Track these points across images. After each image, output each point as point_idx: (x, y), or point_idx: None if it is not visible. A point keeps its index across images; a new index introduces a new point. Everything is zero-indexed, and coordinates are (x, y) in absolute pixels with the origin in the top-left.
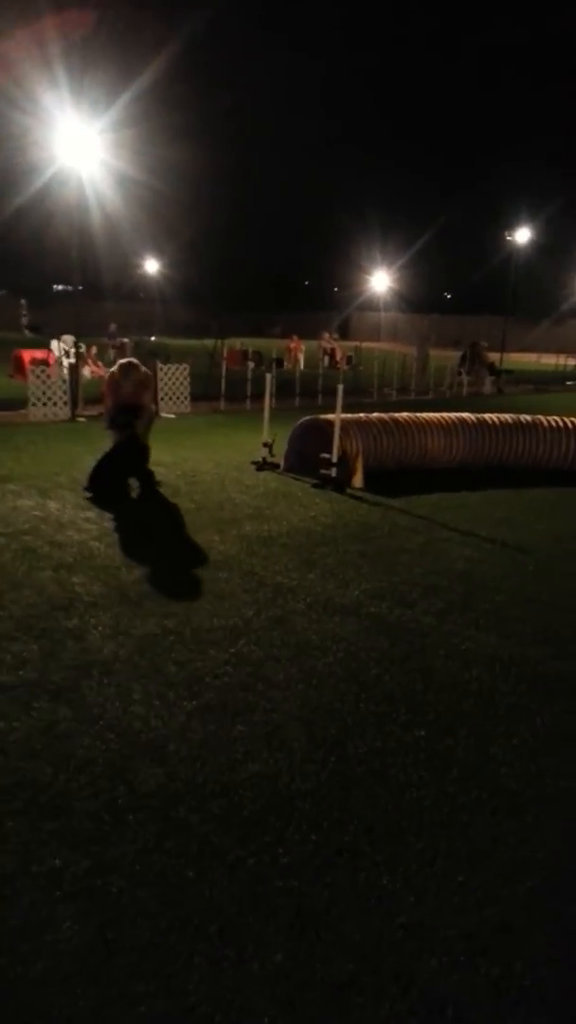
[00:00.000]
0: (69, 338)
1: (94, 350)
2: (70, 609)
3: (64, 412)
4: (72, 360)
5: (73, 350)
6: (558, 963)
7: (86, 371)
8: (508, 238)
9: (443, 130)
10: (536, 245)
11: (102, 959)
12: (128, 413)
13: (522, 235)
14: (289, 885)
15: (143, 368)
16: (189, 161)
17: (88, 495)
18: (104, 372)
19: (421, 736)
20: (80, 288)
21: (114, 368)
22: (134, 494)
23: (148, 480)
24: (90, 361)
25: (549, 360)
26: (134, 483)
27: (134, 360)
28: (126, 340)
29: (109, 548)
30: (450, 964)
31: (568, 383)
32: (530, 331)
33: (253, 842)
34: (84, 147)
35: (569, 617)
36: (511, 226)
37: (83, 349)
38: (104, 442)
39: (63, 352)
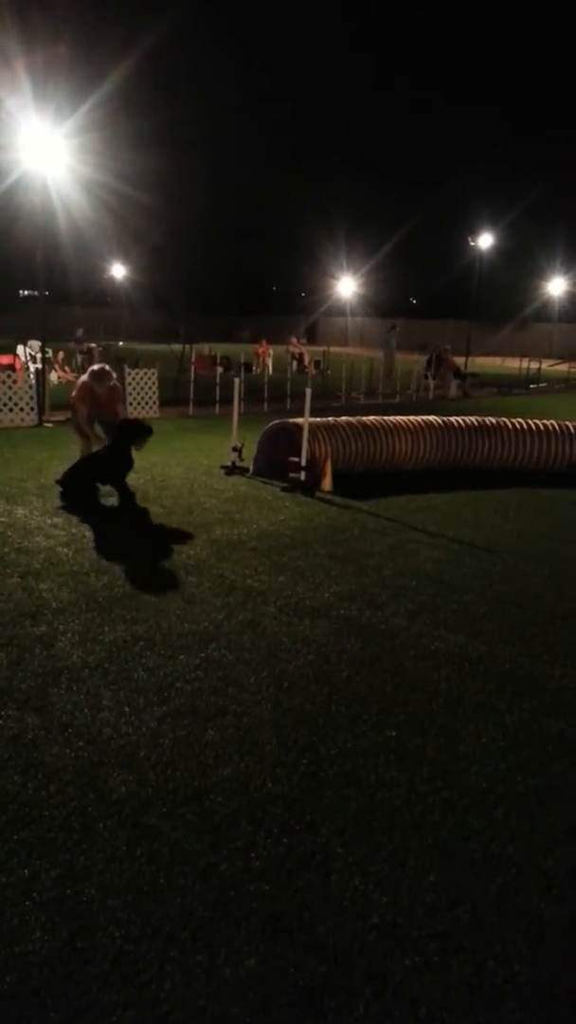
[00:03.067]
0: (35, 343)
1: (61, 355)
2: (38, 616)
3: (31, 418)
4: (39, 365)
5: (40, 355)
6: (530, 960)
7: (53, 376)
8: (471, 243)
9: (407, 136)
10: (499, 250)
11: (73, 969)
12: (133, 431)
13: (485, 240)
14: (261, 889)
15: (114, 375)
16: (156, 166)
17: (59, 489)
18: (71, 377)
19: (392, 736)
20: (46, 293)
21: (85, 377)
22: (109, 502)
23: (124, 491)
24: (57, 366)
25: (512, 364)
26: (108, 491)
27: (106, 366)
28: (93, 345)
29: (77, 554)
30: (423, 964)
31: (532, 386)
32: (494, 335)
33: (225, 847)
34: (49, 152)
35: (535, 616)
36: (474, 232)
37: (50, 354)
38: (71, 448)
39: (29, 357)
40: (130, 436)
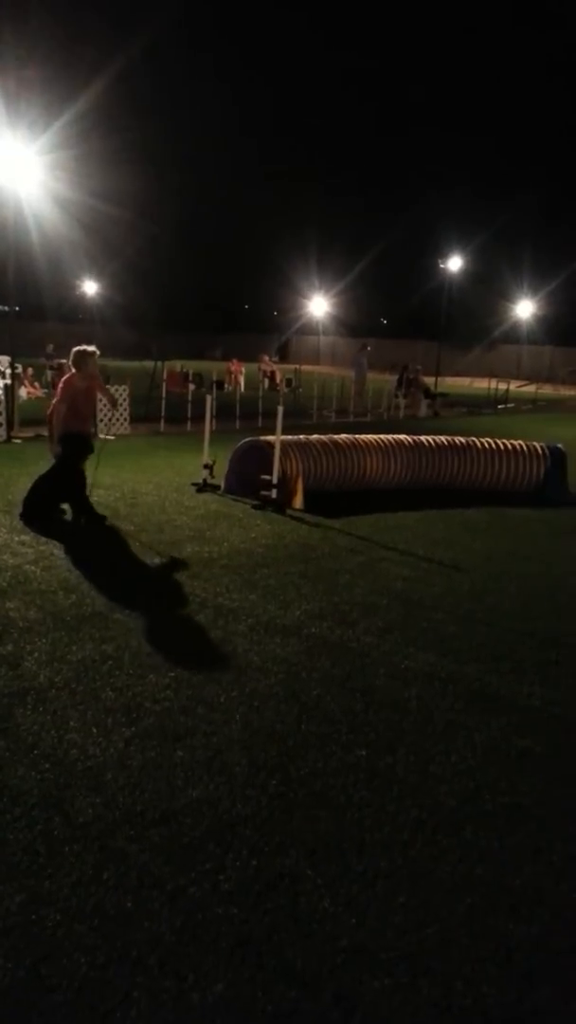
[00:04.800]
0: (4, 358)
1: (30, 371)
2: (4, 635)
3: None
4: (8, 381)
5: (9, 371)
6: (498, 980)
7: (22, 392)
8: (441, 266)
9: (378, 159)
10: (468, 273)
11: (37, 997)
12: (78, 440)
13: (454, 263)
14: (230, 912)
15: (96, 352)
16: (129, 184)
17: (24, 522)
18: (41, 393)
19: (362, 756)
20: (17, 308)
21: (68, 376)
22: (67, 516)
23: (82, 507)
24: (27, 382)
25: (481, 384)
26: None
27: (89, 347)
28: (64, 361)
29: (45, 572)
30: (392, 986)
31: (500, 407)
32: (463, 356)
33: (193, 870)
34: (22, 168)
35: (504, 634)
36: (444, 254)
37: (19, 370)
38: (41, 464)
39: None
40: (72, 449)
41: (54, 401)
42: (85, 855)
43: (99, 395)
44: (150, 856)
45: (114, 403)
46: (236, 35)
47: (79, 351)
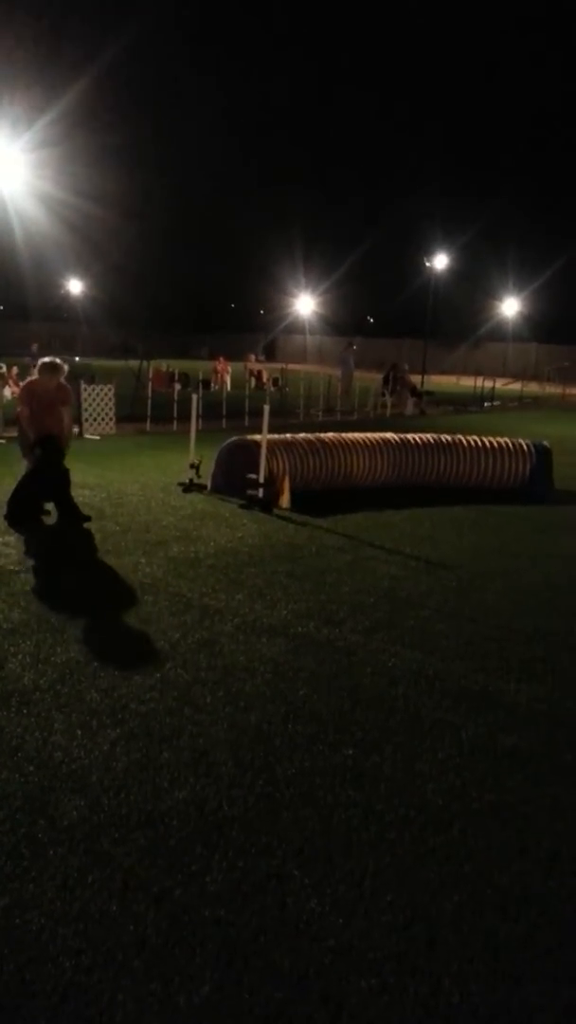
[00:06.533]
0: None
1: (15, 370)
2: None
3: None
4: None
5: None
6: (487, 979)
7: (6, 391)
8: (427, 264)
9: (363, 158)
10: (454, 271)
11: (21, 1002)
12: (50, 442)
13: (440, 261)
14: (216, 914)
15: (65, 368)
16: (114, 182)
17: (8, 524)
18: None
19: (349, 755)
20: (1, 308)
21: (32, 377)
22: (51, 520)
23: (67, 506)
24: (11, 381)
25: (468, 382)
26: (51, 508)
27: (57, 359)
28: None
29: (30, 573)
30: (379, 986)
31: (486, 404)
32: (449, 354)
33: (179, 872)
34: (5, 166)
35: (491, 631)
36: (430, 252)
37: (3, 369)
38: (22, 466)
39: None
40: (52, 449)
41: (18, 407)
42: (70, 858)
43: (62, 410)
44: (136, 858)
45: (69, 429)
46: (223, 33)
47: (46, 364)
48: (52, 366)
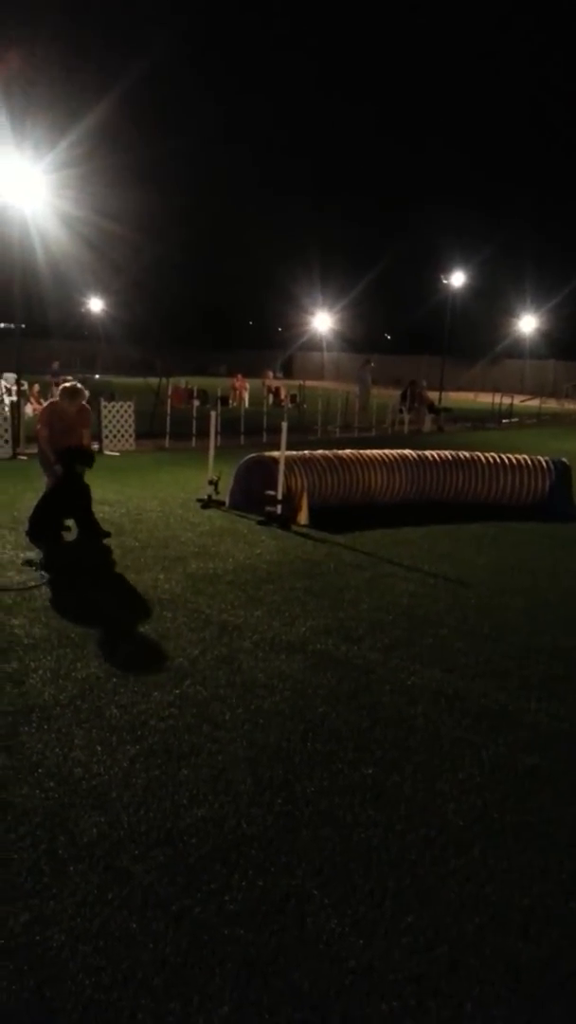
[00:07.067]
0: (11, 376)
1: (36, 388)
2: (9, 652)
3: (5, 450)
4: (14, 398)
5: (15, 388)
6: (509, 1002)
7: (28, 409)
8: (444, 282)
9: (380, 175)
10: (471, 288)
11: (41, 1020)
12: (74, 455)
13: (457, 279)
14: (236, 933)
15: (86, 393)
16: (134, 201)
17: (29, 540)
18: None
19: (368, 774)
20: (23, 326)
21: (55, 399)
22: (71, 535)
23: (87, 522)
24: (33, 399)
25: (485, 399)
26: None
27: (78, 384)
28: (69, 378)
29: (50, 589)
30: (401, 1008)
31: (504, 421)
32: (467, 371)
33: (198, 890)
34: (28, 186)
35: (510, 649)
36: (447, 270)
37: (25, 387)
38: (43, 482)
39: (5, 390)
40: (74, 461)
41: (37, 426)
42: (89, 875)
43: (83, 432)
44: (155, 876)
45: (90, 447)
46: (240, 55)
47: (69, 389)
48: (73, 391)
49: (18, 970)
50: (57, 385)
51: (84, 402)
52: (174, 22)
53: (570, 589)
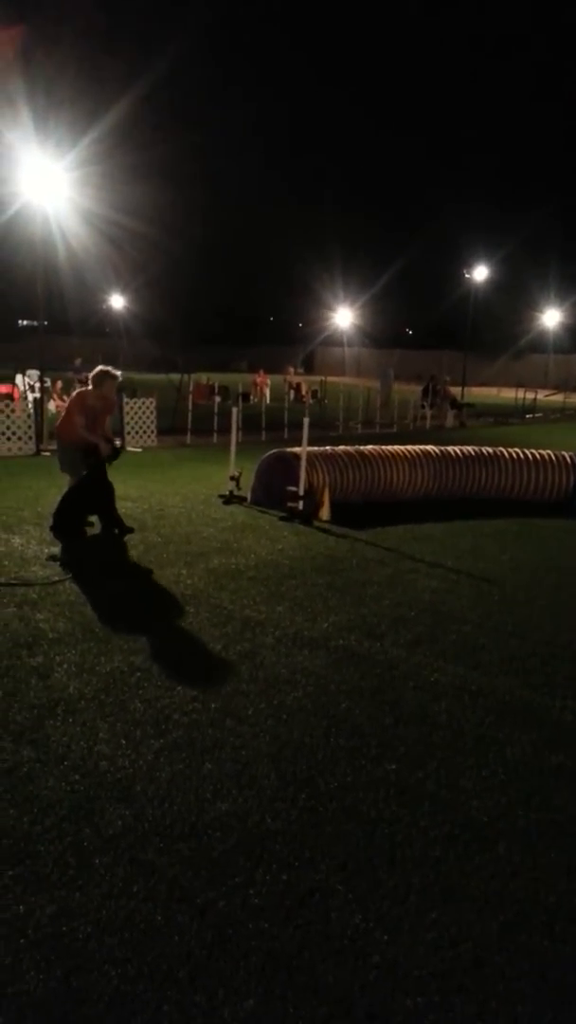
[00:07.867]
0: (34, 372)
1: (59, 384)
2: (34, 646)
3: (29, 447)
4: (37, 395)
5: (38, 384)
6: (533, 999)
7: (51, 406)
8: (466, 276)
9: (402, 171)
10: (494, 283)
11: (68, 1009)
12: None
13: (480, 273)
14: (260, 927)
15: (117, 376)
16: (155, 199)
17: (53, 535)
18: None
19: (392, 770)
20: (45, 323)
21: (82, 391)
22: (95, 531)
23: (111, 518)
24: (55, 396)
25: (508, 394)
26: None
27: (112, 371)
28: (91, 375)
29: (75, 584)
30: (425, 1004)
31: (527, 416)
32: (490, 366)
33: (223, 884)
34: (49, 184)
35: (535, 646)
36: (469, 264)
37: (48, 384)
38: (66, 478)
39: (28, 387)
40: (97, 458)
41: (62, 416)
42: (115, 867)
43: (106, 420)
44: (180, 869)
45: (111, 440)
46: (260, 54)
47: (102, 371)
48: (105, 374)
49: (45, 960)
50: (80, 382)
51: (112, 387)
52: (194, 19)
53: None
